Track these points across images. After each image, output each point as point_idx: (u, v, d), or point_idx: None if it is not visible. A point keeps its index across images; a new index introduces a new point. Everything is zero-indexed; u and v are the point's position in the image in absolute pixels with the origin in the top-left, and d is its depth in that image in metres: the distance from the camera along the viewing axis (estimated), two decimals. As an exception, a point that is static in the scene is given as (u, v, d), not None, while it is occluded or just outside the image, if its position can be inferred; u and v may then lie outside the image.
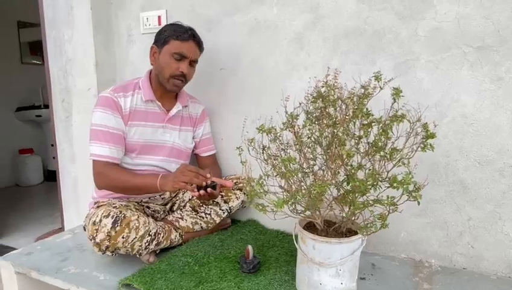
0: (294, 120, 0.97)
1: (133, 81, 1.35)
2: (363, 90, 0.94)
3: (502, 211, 1.14)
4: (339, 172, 0.93)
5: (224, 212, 1.40)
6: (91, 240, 1.11)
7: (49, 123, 1.95)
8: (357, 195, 0.91)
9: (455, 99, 1.15)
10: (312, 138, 0.97)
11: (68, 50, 1.75)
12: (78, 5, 1.68)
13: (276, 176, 0.95)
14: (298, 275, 1.04)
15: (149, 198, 1.39)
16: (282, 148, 0.98)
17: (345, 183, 0.93)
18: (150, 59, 1.33)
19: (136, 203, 1.32)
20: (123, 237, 1.10)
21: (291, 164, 0.91)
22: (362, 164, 0.93)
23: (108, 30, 1.75)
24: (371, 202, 0.90)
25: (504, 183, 1.12)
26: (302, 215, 0.99)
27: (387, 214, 0.88)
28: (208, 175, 1.16)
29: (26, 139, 3.68)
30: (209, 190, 1.16)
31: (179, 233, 1.30)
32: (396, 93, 0.90)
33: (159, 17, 1.63)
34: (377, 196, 0.88)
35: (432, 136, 0.89)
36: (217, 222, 1.39)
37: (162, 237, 1.22)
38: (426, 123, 0.90)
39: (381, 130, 0.91)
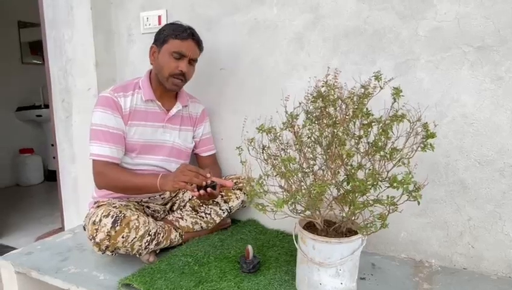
0: (294, 120, 0.97)
1: (133, 81, 1.35)
2: (363, 90, 0.94)
3: (502, 211, 1.14)
4: (338, 172, 0.93)
5: (224, 212, 1.40)
6: (91, 239, 1.11)
7: (50, 123, 1.95)
8: (357, 195, 0.91)
9: (455, 99, 1.15)
10: (312, 138, 0.97)
11: (68, 50, 1.75)
12: (78, 5, 1.68)
13: (276, 175, 0.95)
14: (298, 275, 1.03)
15: (149, 198, 1.39)
16: (282, 148, 0.98)
17: (345, 183, 0.93)
18: (149, 59, 1.33)
19: (136, 203, 1.32)
20: (123, 237, 1.10)
21: (291, 164, 0.91)
22: (362, 163, 0.93)
23: (108, 30, 1.75)
24: (370, 201, 0.90)
25: (504, 183, 1.12)
26: (302, 215, 0.99)
27: (387, 214, 0.88)
28: (208, 175, 1.16)
29: (26, 139, 3.69)
30: (209, 189, 1.16)
31: (179, 233, 1.30)
32: (397, 93, 0.90)
33: (159, 17, 1.63)
34: (377, 196, 0.88)
35: (432, 136, 0.89)
36: (217, 221, 1.39)
37: (162, 236, 1.22)
38: (426, 123, 0.90)
39: (381, 130, 0.91)
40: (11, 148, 3.55)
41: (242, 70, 1.50)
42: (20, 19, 3.56)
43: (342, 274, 0.95)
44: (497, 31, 1.07)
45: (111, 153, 1.24)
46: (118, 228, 1.09)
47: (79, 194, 1.86)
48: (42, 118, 3.51)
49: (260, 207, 0.92)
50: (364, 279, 1.12)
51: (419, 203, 0.83)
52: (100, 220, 1.10)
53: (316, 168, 0.96)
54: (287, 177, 0.92)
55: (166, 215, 1.40)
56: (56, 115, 1.87)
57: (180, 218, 1.34)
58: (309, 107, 0.98)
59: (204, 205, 1.39)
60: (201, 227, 1.36)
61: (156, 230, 1.19)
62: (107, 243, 1.09)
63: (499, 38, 1.07)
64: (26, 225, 2.52)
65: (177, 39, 1.26)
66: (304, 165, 0.96)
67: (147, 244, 1.16)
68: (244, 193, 1.43)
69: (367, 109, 0.93)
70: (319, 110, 0.96)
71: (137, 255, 1.17)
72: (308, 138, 0.97)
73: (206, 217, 1.37)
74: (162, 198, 1.43)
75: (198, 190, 1.15)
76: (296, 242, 1.02)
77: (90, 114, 1.27)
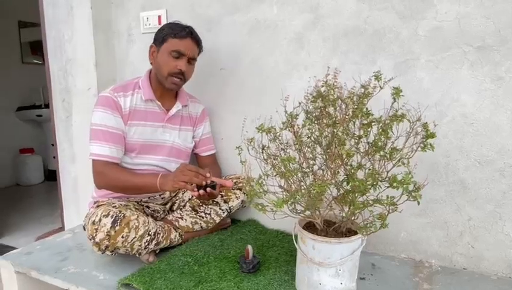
0: (294, 120, 0.97)
1: (132, 81, 1.35)
2: (363, 89, 0.93)
3: (502, 211, 1.13)
4: (338, 172, 0.93)
5: (224, 212, 1.40)
6: (90, 239, 1.11)
7: (50, 123, 1.95)
8: (356, 195, 0.91)
9: (455, 99, 1.15)
10: (312, 138, 0.97)
11: (68, 50, 1.75)
12: (78, 5, 1.68)
13: (275, 175, 0.95)
14: (298, 275, 1.03)
15: (149, 198, 1.39)
16: (281, 148, 0.98)
17: (344, 183, 0.93)
18: (149, 58, 1.33)
19: (136, 203, 1.32)
20: (122, 237, 1.10)
21: (290, 164, 0.91)
22: (362, 163, 0.93)
23: (109, 30, 1.75)
24: (370, 201, 0.90)
25: (504, 183, 1.12)
26: (301, 215, 0.99)
27: (386, 214, 0.88)
28: (208, 174, 1.16)
29: (27, 138, 3.69)
30: (208, 189, 1.15)
31: (179, 233, 1.30)
32: (396, 92, 0.90)
33: (159, 17, 1.63)
34: (376, 196, 0.88)
35: (432, 135, 0.89)
36: (217, 221, 1.39)
37: (162, 236, 1.22)
38: (426, 123, 0.90)
39: (381, 130, 0.90)
40: (12, 148, 3.55)
41: (242, 70, 1.50)
42: (21, 18, 3.56)
43: (342, 274, 0.95)
44: (498, 31, 1.07)
45: (111, 153, 1.24)
46: (117, 227, 1.09)
47: (79, 194, 1.86)
48: (42, 117, 3.51)
49: (260, 207, 0.92)
50: (364, 279, 1.11)
51: (419, 203, 0.82)
52: (100, 220, 1.10)
53: (315, 168, 0.96)
54: (286, 177, 0.92)
55: (166, 215, 1.40)
56: (56, 115, 1.87)
57: (180, 218, 1.34)
58: (309, 107, 0.98)
59: (204, 205, 1.39)
60: (201, 227, 1.36)
61: (156, 230, 1.19)
62: (107, 242, 1.09)
63: (499, 38, 1.07)
64: (26, 224, 2.52)
65: (176, 38, 1.26)
66: (304, 165, 0.96)
67: (146, 244, 1.16)
68: (244, 193, 1.43)
69: (367, 108, 0.93)
70: (318, 110, 0.96)
71: (137, 255, 1.17)
72: (308, 137, 0.97)
73: (206, 217, 1.37)
74: (162, 198, 1.43)
75: (197, 190, 1.15)
76: (296, 242, 1.02)
77: (90, 114, 1.27)
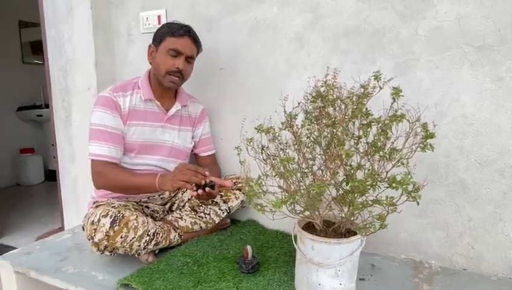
0: (293, 120, 0.97)
1: (132, 81, 1.35)
2: (362, 89, 0.93)
3: (502, 211, 1.13)
4: (338, 172, 0.93)
5: (223, 212, 1.40)
6: (89, 239, 1.11)
7: (50, 123, 1.95)
8: (356, 195, 0.90)
9: (455, 99, 1.15)
10: (311, 138, 0.96)
11: (68, 49, 1.75)
12: (78, 5, 1.68)
13: (275, 176, 0.94)
14: (297, 275, 1.03)
15: (148, 198, 1.39)
16: (281, 148, 0.97)
17: (344, 184, 0.93)
18: (147, 58, 1.33)
19: (135, 203, 1.32)
20: (121, 237, 1.09)
21: (290, 164, 0.90)
22: (361, 164, 0.93)
23: (108, 29, 1.75)
24: (370, 202, 0.89)
25: (504, 184, 1.12)
26: (301, 215, 0.99)
27: (386, 214, 0.87)
28: (207, 173, 1.16)
29: (27, 138, 3.69)
30: (207, 189, 1.15)
31: (178, 233, 1.30)
32: (396, 93, 0.90)
33: (159, 17, 1.63)
34: (376, 196, 0.88)
35: (431, 136, 0.88)
36: (216, 222, 1.39)
37: (161, 237, 1.21)
38: (426, 123, 0.90)
39: (380, 130, 0.90)
40: (12, 147, 3.55)
41: (242, 70, 1.50)
42: (21, 18, 3.57)
43: (341, 275, 0.94)
44: (498, 31, 1.07)
45: (110, 153, 1.23)
46: (116, 228, 1.09)
47: (79, 194, 1.86)
48: (43, 117, 3.51)
49: (259, 207, 0.92)
50: (363, 280, 1.11)
51: (418, 203, 0.82)
52: (99, 220, 1.10)
53: (315, 168, 0.96)
54: (285, 177, 0.92)
55: (166, 215, 1.40)
56: (56, 115, 1.87)
57: (179, 218, 1.33)
58: (308, 107, 0.98)
59: (203, 205, 1.38)
60: (201, 227, 1.36)
61: (155, 230, 1.19)
62: (106, 243, 1.09)
63: (499, 38, 1.07)
64: (26, 224, 2.52)
65: (174, 37, 1.26)
66: (303, 166, 0.95)
67: (145, 244, 1.15)
68: (244, 193, 1.43)
69: (366, 109, 0.92)
70: (318, 110, 0.95)
71: (136, 255, 1.17)
72: (307, 138, 0.97)
73: (206, 217, 1.37)
74: (162, 198, 1.43)
75: (196, 190, 1.15)
76: (295, 243, 1.01)
77: (90, 114, 1.27)
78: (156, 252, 1.24)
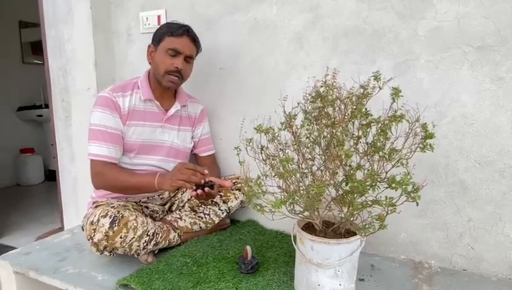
0: (293, 120, 0.96)
1: (131, 81, 1.35)
2: (362, 90, 0.93)
3: (502, 212, 1.13)
4: (337, 172, 0.93)
5: (223, 213, 1.40)
6: (89, 240, 1.11)
7: (50, 123, 1.95)
8: (355, 195, 0.90)
9: (455, 99, 1.14)
10: (310, 138, 0.96)
11: (68, 49, 1.75)
12: (77, 5, 1.68)
13: (274, 176, 0.94)
14: (296, 276, 1.03)
15: (147, 198, 1.38)
16: (280, 149, 0.97)
17: (343, 184, 0.93)
18: (147, 58, 1.33)
19: (135, 203, 1.32)
20: (121, 237, 1.09)
21: (289, 164, 0.90)
22: (361, 164, 0.93)
23: (108, 30, 1.75)
24: (369, 202, 0.89)
25: (504, 184, 1.11)
26: (300, 215, 0.99)
27: (385, 214, 0.87)
28: (206, 171, 1.16)
29: (27, 138, 3.69)
30: (206, 189, 1.15)
31: (178, 233, 1.29)
32: (396, 93, 0.90)
33: (159, 17, 1.63)
34: (375, 197, 0.88)
35: (431, 136, 0.88)
36: (216, 222, 1.39)
37: (161, 237, 1.21)
38: (425, 123, 0.90)
39: (380, 131, 0.90)
40: (12, 148, 3.55)
41: (242, 70, 1.50)
42: (21, 18, 3.57)
43: (341, 275, 0.94)
44: (498, 31, 1.07)
45: (109, 153, 1.23)
46: (116, 228, 1.09)
47: (78, 194, 1.86)
48: (43, 117, 3.51)
49: (258, 207, 0.92)
50: (363, 280, 1.11)
51: (417, 204, 0.82)
52: (98, 220, 1.10)
53: (314, 168, 0.96)
54: (285, 177, 0.92)
55: (165, 215, 1.39)
56: (56, 115, 1.87)
57: (179, 218, 1.33)
58: (307, 107, 0.98)
59: (203, 206, 1.38)
60: (200, 227, 1.36)
61: (155, 230, 1.19)
62: (105, 243, 1.09)
63: (499, 38, 1.07)
64: (26, 224, 2.52)
65: (173, 36, 1.26)
66: (303, 166, 0.95)
67: (145, 244, 1.15)
68: (243, 193, 1.43)
69: (366, 109, 0.92)
70: (317, 110, 0.95)
71: (136, 256, 1.17)
72: (307, 138, 0.97)
73: (205, 218, 1.36)
74: (161, 198, 1.43)
75: (196, 189, 1.15)
76: (295, 243, 1.01)
77: (90, 114, 1.27)
78: (156, 252, 1.24)
